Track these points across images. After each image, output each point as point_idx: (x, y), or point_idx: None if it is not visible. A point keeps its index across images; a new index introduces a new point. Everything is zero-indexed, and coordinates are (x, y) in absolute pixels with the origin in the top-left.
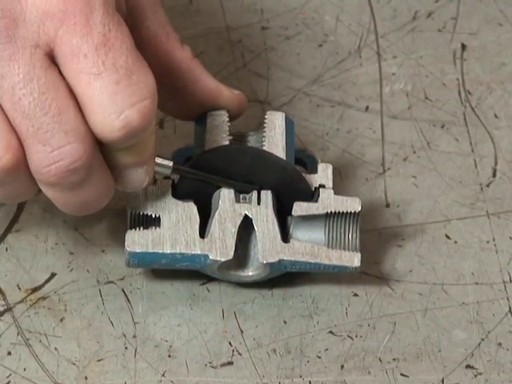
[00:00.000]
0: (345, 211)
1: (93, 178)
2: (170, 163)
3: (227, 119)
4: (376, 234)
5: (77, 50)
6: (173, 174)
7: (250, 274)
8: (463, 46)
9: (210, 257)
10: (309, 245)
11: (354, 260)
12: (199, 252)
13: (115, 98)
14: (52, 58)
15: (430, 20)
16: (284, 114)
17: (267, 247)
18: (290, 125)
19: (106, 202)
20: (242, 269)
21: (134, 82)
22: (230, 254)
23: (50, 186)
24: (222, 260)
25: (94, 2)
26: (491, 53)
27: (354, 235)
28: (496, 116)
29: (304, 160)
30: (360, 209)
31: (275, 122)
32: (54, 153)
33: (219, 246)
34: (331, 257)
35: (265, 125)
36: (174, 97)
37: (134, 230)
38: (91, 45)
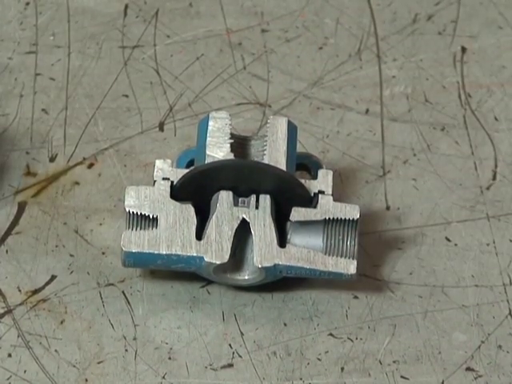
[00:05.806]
0: (343, 218)
1: None
2: (170, 166)
3: (229, 122)
4: (376, 237)
5: None
6: (172, 176)
7: (246, 277)
8: (463, 49)
9: (206, 259)
10: (305, 250)
11: (349, 267)
12: (195, 254)
13: None
14: None
15: (430, 23)
16: (287, 119)
17: (263, 251)
18: (292, 130)
19: None
20: (239, 272)
21: None
22: (226, 257)
23: None
24: (217, 263)
25: None
26: (491, 56)
27: (352, 242)
28: (496, 119)
29: (309, 166)
30: (359, 216)
31: (278, 127)
32: None
33: (215, 249)
34: (327, 263)
35: (267, 129)
36: None
37: (130, 229)
38: None
